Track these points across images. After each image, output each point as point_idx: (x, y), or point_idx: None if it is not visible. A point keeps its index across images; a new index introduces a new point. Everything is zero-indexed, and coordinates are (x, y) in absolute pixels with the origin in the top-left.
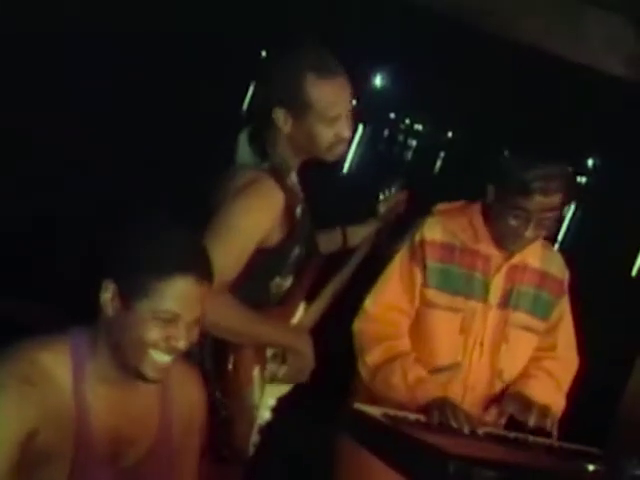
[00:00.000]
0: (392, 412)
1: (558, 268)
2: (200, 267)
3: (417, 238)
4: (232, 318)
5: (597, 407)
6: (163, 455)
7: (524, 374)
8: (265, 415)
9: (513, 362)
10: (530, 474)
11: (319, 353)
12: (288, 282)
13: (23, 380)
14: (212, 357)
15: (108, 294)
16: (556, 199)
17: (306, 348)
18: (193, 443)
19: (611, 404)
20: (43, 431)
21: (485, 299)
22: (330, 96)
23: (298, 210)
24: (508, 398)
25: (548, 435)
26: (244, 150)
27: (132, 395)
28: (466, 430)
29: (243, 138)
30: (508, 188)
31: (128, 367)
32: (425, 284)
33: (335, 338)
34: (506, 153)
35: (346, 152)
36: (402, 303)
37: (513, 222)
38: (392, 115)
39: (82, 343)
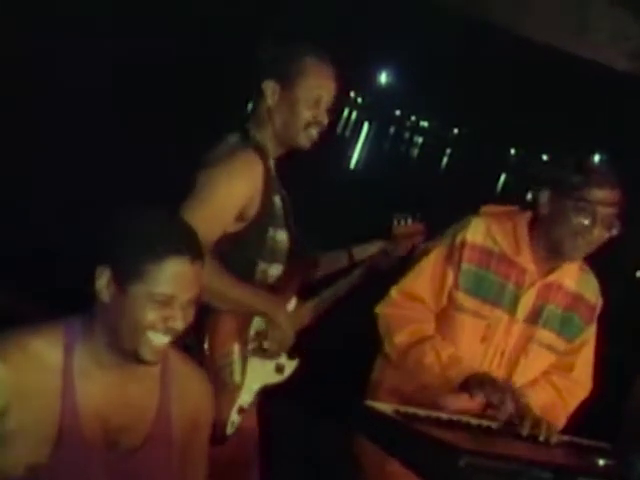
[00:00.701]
0: (403, 409)
1: (592, 293)
2: (192, 248)
3: (459, 238)
4: (214, 281)
5: (607, 402)
6: (160, 444)
7: (531, 384)
8: (247, 398)
9: (526, 376)
10: (540, 469)
11: (332, 351)
12: (275, 270)
13: (10, 364)
14: (190, 333)
15: (103, 280)
16: (617, 193)
17: (284, 320)
18: (201, 439)
19: (621, 399)
20: (15, 410)
21: (513, 311)
22: (320, 78)
23: (276, 198)
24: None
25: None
26: (232, 134)
27: (129, 381)
28: (509, 406)
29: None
30: (571, 185)
31: (126, 351)
32: (456, 286)
33: (350, 336)
34: (546, 157)
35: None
36: (427, 296)
37: (577, 220)
38: (398, 112)
39: (76, 329)
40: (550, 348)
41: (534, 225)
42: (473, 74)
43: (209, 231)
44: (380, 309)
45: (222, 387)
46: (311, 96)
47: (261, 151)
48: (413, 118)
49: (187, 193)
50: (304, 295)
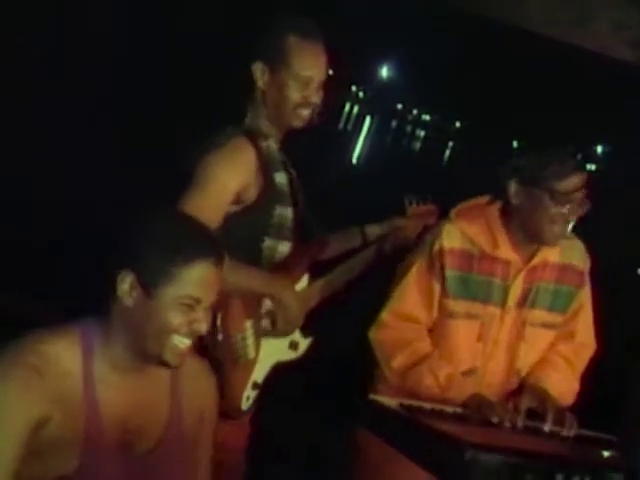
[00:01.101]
0: (407, 402)
1: (579, 258)
2: (217, 251)
3: (436, 247)
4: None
5: (611, 395)
6: (175, 445)
7: (542, 364)
8: (261, 373)
9: (531, 359)
10: (545, 461)
11: (337, 347)
12: (283, 247)
13: (30, 369)
14: None
15: (126, 285)
16: (584, 176)
17: (291, 299)
18: (206, 433)
19: (625, 392)
20: (55, 418)
21: (504, 303)
22: (307, 58)
23: (279, 175)
24: (526, 394)
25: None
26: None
27: (143, 384)
28: (507, 424)
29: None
30: (544, 177)
31: (149, 355)
32: (444, 294)
33: (351, 332)
34: (515, 146)
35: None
36: (420, 314)
37: (555, 210)
38: (399, 106)
39: (92, 333)
40: (545, 325)
41: (507, 215)
42: (475, 67)
43: (207, 220)
44: (373, 334)
45: (236, 362)
46: (299, 78)
47: (252, 135)
48: (415, 112)
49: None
50: (317, 274)
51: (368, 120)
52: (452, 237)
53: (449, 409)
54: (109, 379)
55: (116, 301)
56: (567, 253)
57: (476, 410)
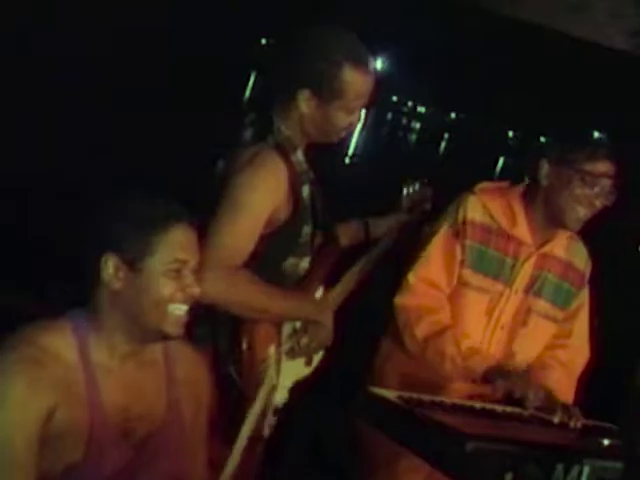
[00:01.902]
0: (407, 394)
1: (581, 260)
2: (186, 213)
3: (460, 216)
4: (254, 294)
5: (611, 383)
6: (174, 430)
7: (541, 365)
8: (281, 397)
9: (528, 347)
10: (545, 451)
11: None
12: (304, 263)
13: (33, 362)
14: (226, 338)
15: (110, 268)
16: (614, 166)
17: (327, 319)
18: (201, 421)
19: (625, 379)
20: (60, 408)
21: (511, 283)
22: (361, 88)
23: (305, 189)
24: (531, 392)
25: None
26: (248, 132)
27: (141, 370)
28: (531, 397)
29: (248, 121)
30: (576, 159)
31: (149, 330)
32: (462, 263)
33: (354, 323)
34: (510, 136)
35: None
36: (442, 281)
37: (582, 191)
38: (394, 98)
39: (82, 323)
40: (548, 317)
41: (528, 198)
42: (470, 58)
43: (243, 245)
44: (399, 300)
45: (258, 389)
46: (350, 106)
47: (284, 148)
48: (410, 104)
49: (213, 204)
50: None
51: (363, 112)
52: (475, 209)
53: (448, 401)
54: (108, 366)
55: (103, 287)
56: (572, 252)
57: (502, 377)
